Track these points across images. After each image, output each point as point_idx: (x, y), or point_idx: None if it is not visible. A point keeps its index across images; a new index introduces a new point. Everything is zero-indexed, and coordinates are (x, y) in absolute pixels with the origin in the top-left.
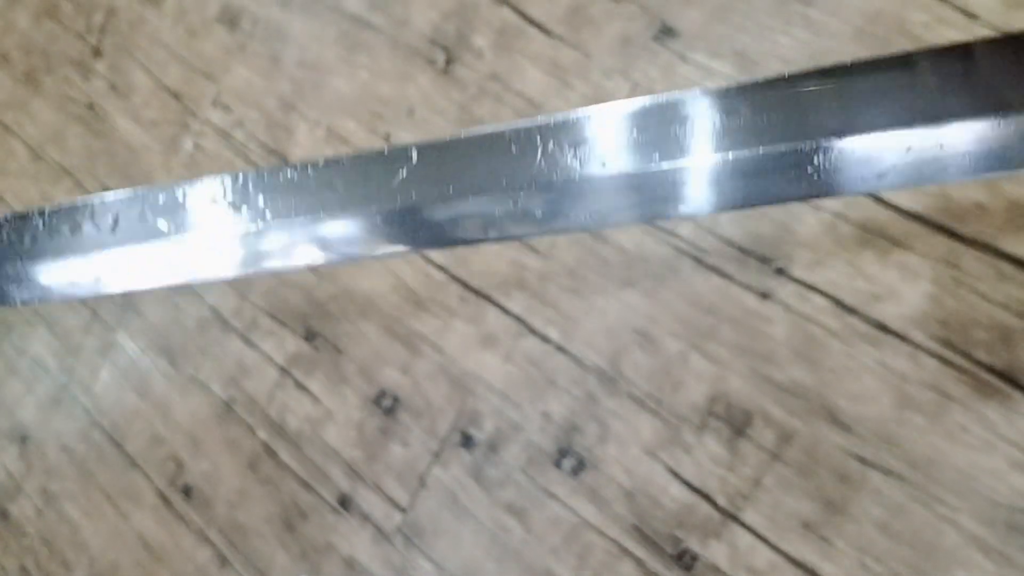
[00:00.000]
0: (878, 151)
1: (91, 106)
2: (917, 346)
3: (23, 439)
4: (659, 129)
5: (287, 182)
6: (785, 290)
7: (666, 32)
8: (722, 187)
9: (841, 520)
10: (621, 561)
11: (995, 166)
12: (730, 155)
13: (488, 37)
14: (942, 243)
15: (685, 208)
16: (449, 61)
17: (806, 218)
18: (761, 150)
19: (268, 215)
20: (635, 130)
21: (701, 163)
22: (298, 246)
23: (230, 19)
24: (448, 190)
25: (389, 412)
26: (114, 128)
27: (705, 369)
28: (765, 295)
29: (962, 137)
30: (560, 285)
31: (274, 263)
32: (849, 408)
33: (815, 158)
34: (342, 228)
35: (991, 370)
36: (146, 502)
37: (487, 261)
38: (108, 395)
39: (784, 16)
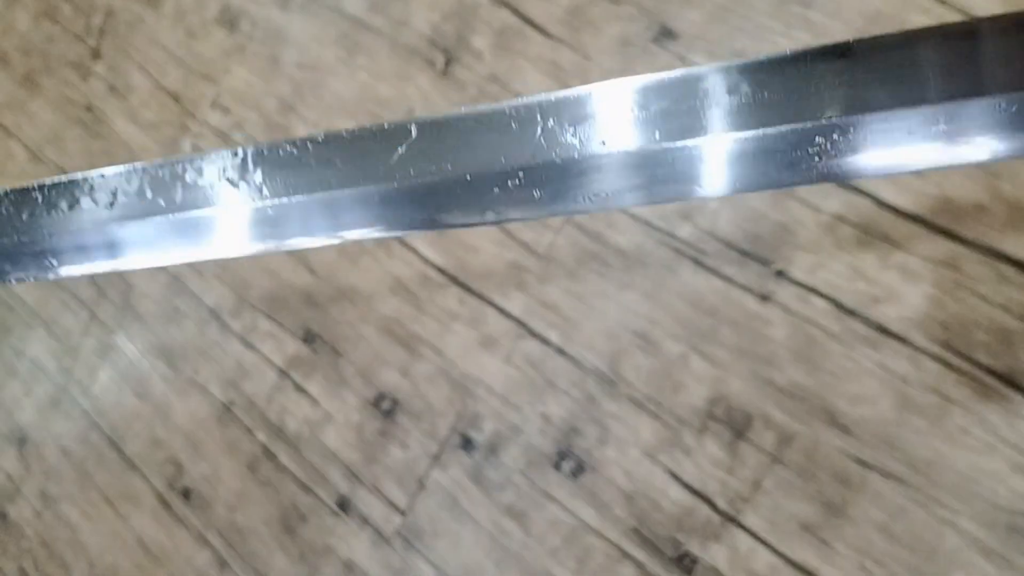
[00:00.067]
0: (882, 133)
1: (90, 108)
2: (917, 348)
3: (22, 441)
4: (660, 108)
5: (287, 156)
6: (785, 292)
7: (665, 34)
8: (724, 168)
9: (841, 522)
10: (621, 564)
11: (1000, 151)
12: (732, 135)
13: (488, 38)
14: (942, 245)
15: (686, 189)
16: (448, 62)
17: (806, 220)
18: (764, 130)
19: (266, 191)
20: (636, 108)
21: (702, 142)
22: (296, 224)
23: (229, 20)
24: (446, 167)
25: (388, 414)
26: (113, 130)
27: (705, 371)
28: (765, 297)
29: (968, 119)
30: (560, 287)
31: (272, 241)
32: (849, 410)
33: (818, 139)
34: (340, 206)
35: (992, 372)
36: (145, 504)
37: (486, 263)
38: (107, 397)
39: (783, 18)
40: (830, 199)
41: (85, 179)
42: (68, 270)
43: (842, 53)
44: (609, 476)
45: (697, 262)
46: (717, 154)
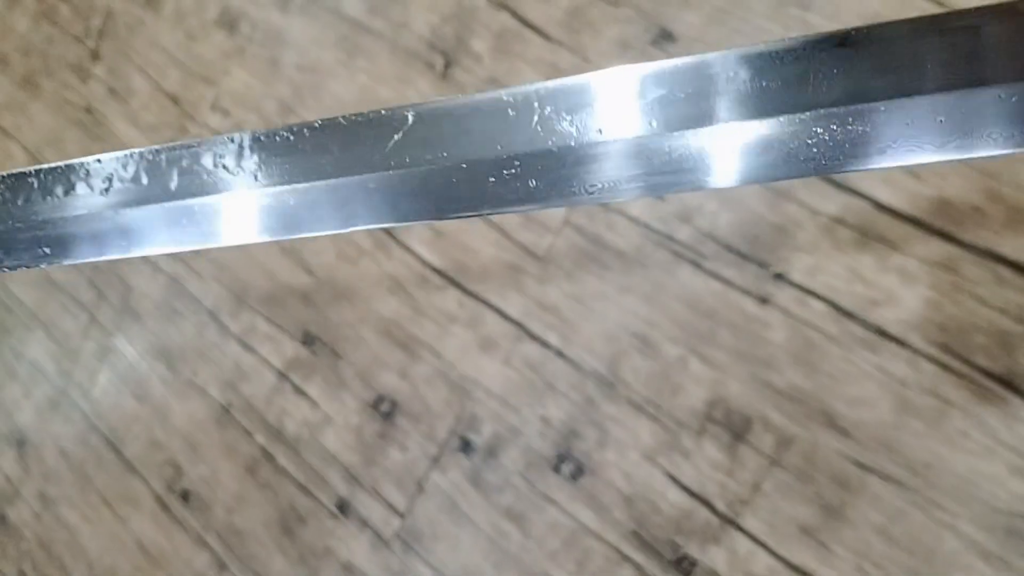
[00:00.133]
0: (880, 124)
1: (89, 110)
2: (916, 351)
3: (21, 443)
4: (658, 96)
5: (283, 143)
6: (784, 295)
7: (664, 36)
8: (722, 158)
9: (840, 525)
10: (620, 567)
11: (1001, 143)
12: (731, 124)
13: (487, 41)
14: (941, 247)
15: (683, 180)
16: (448, 65)
17: (804, 222)
18: (763, 120)
19: (262, 178)
20: (633, 97)
21: (700, 132)
22: (292, 212)
23: (229, 23)
24: (442, 154)
25: (387, 417)
26: (112, 132)
27: (704, 374)
28: (764, 300)
29: (968, 110)
30: (559, 289)
31: (268, 230)
32: (848, 413)
33: (819, 128)
34: (336, 193)
35: (990, 375)
36: (144, 506)
37: (485, 265)
38: (106, 399)
39: (782, 20)
40: (828, 201)
41: (81, 164)
42: (61, 257)
43: (841, 42)
44: (608, 479)
45: (696, 265)
46: (715, 143)
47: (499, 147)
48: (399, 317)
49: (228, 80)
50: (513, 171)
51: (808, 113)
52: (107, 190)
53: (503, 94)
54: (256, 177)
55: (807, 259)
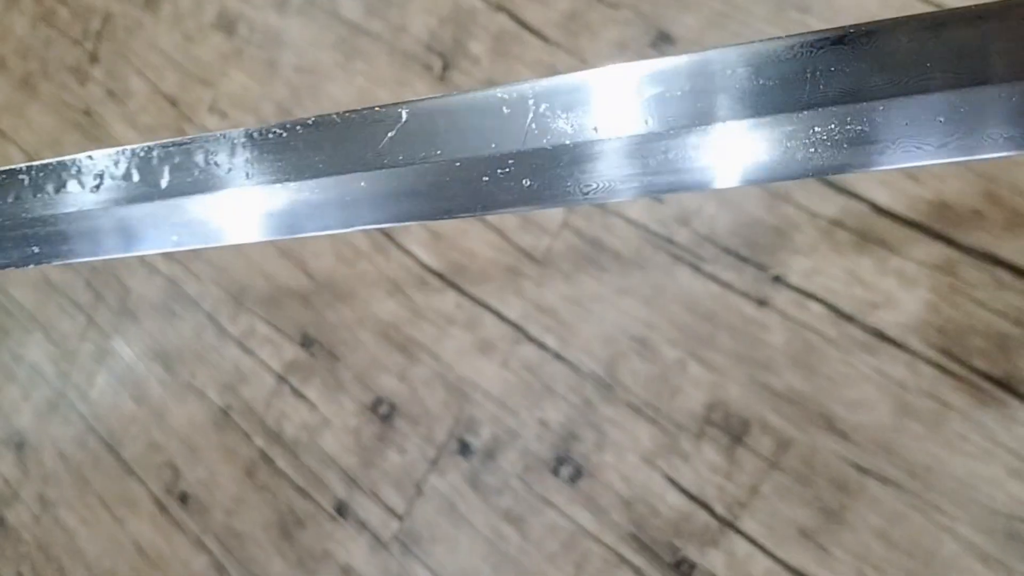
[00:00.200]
0: (878, 124)
1: (88, 112)
2: (915, 354)
3: (19, 445)
4: (654, 94)
5: (276, 140)
6: (782, 297)
7: (663, 38)
8: (719, 158)
9: (839, 528)
10: (619, 569)
11: (1002, 143)
12: (728, 123)
13: (485, 43)
14: (940, 251)
15: (680, 180)
16: (446, 67)
17: (803, 225)
18: (760, 118)
19: (254, 175)
20: (629, 95)
21: (697, 130)
22: (285, 210)
23: (227, 25)
24: (436, 152)
25: (386, 419)
26: (111, 134)
27: (703, 377)
28: (762, 302)
29: (970, 109)
30: (557, 292)
31: (260, 227)
32: (847, 416)
33: (817, 127)
34: (327, 192)
35: (989, 378)
36: (142, 509)
37: (483, 267)
38: (104, 401)
39: (781, 23)
40: (827, 204)
41: (73, 161)
42: (51, 256)
43: (840, 40)
44: (607, 481)
45: (695, 267)
46: (712, 142)
47: (493, 145)
48: (397, 319)
49: (226, 82)
50: (507, 170)
51: (806, 112)
52: (98, 187)
53: (498, 92)
54: (248, 175)
55: (805, 262)
